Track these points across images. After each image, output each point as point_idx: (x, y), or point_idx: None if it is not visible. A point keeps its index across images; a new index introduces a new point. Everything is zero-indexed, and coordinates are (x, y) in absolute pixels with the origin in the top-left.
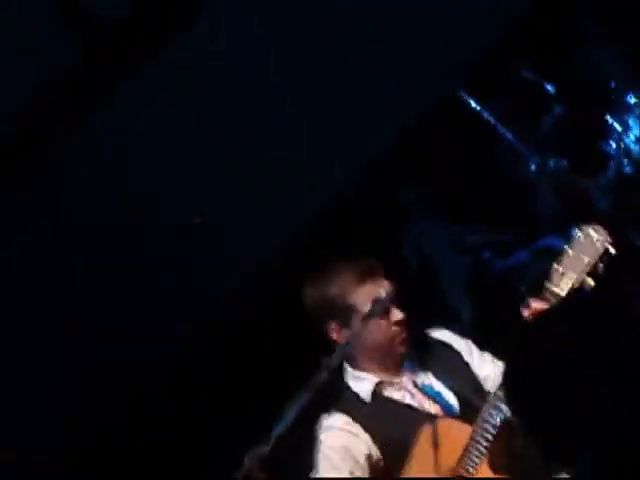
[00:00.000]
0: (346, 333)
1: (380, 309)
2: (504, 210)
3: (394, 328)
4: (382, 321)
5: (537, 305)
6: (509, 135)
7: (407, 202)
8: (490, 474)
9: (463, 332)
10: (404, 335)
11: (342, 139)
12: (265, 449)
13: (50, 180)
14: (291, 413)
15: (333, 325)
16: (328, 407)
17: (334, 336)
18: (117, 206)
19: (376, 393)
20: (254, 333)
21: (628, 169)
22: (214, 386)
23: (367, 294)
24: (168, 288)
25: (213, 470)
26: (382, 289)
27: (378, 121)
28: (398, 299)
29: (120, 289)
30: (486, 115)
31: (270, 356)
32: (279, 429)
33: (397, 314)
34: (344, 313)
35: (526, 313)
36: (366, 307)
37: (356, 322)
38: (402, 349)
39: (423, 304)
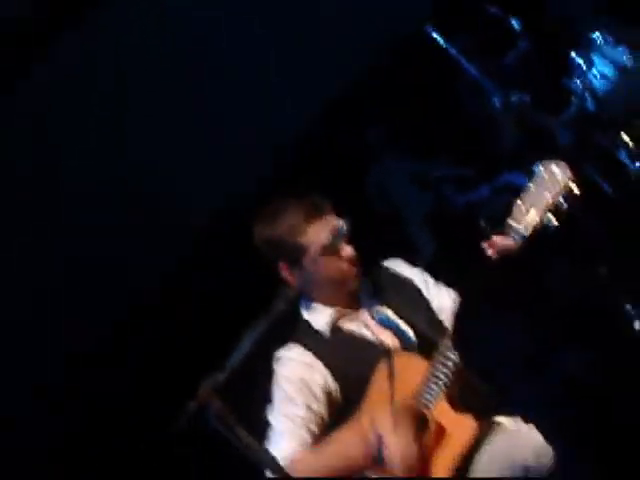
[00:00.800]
0: (297, 272)
1: (329, 247)
2: (467, 145)
3: (344, 265)
4: (332, 258)
5: (500, 241)
6: (473, 70)
7: (372, 138)
8: (449, 410)
9: (423, 266)
10: (355, 270)
11: (310, 75)
12: (220, 378)
13: None
14: (247, 342)
15: (283, 264)
16: (285, 338)
17: (285, 275)
18: None
19: (332, 325)
20: (211, 265)
21: (591, 106)
22: (168, 315)
23: (316, 233)
24: None
25: (167, 399)
26: (331, 226)
27: (346, 57)
28: (348, 235)
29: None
30: (451, 50)
31: (224, 287)
32: (235, 358)
33: (347, 250)
34: (293, 253)
35: (488, 249)
36: (315, 246)
37: (306, 261)
38: (355, 284)
39: (384, 240)
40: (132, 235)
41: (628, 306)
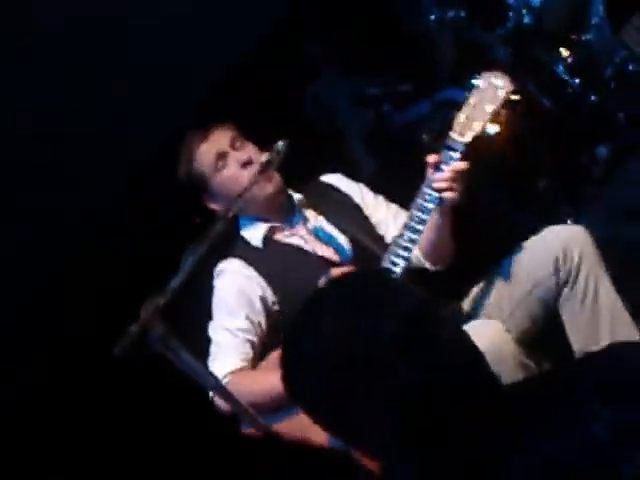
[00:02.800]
0: (214, 198)
1: (219, 160)
2: (404, 62)
3: (243, 171)
4: (226, 171)
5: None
6: None
7: (309, 57)
8: None
9: (366, 183)
10: (261, 174)
11: None
12: (161, 300)
13: None
14: (187, 264)
15: (203, 196)
16: (224, 256)
17: (210, 205)
18: None
19: (268, 238)
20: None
21: (527, 20)
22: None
23: (205, 153)
24: None
25: (108, 323)
26: (218, 141)
27: None
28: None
29: None
30: None
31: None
32: (175, 280)
33: (238, 156)
34: (200, 182)
35: (431, 161)
36: (207, 166)
37: (211, 184)
38: (270, 188)
39: (324, 158)
40: None
41: (568, 219)
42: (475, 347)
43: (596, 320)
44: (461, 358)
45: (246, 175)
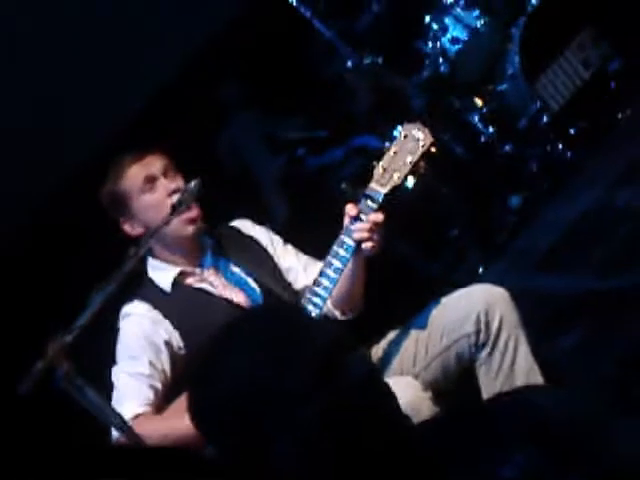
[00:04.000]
0: (132, 222)
1: (148, 183)
2: (319, 107)
3: (168, 200)
4: (151, 195)
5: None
6: (326, 32)
7: (225, 97)
8: None
9: (276, 229)
10: (177, 214)
11: (166, 32)
12: (68, 338)
13: None
14: (95, 302)
15: (122, 220)
16: (131, 297)
17: (128, 231)
18: None
19: (177, 283)
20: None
21: (443, 68)
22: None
23: (134, 175)
24: None
25: (14, 360)
26: (151, 165)
27: (200, 16)
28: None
29: None
30: (305, 12)
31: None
32: (82, 318)
33: (167, 185)
34: (122, 201)
35: (350, 212)
36: (134, 187)
37: (133, 205)
38: (191, 229)
39: (235, 201)
40: None
41: (480, 268)
42: (387, 391)
43: (510, 386)
44: (371, 399)
45: (164, 201)
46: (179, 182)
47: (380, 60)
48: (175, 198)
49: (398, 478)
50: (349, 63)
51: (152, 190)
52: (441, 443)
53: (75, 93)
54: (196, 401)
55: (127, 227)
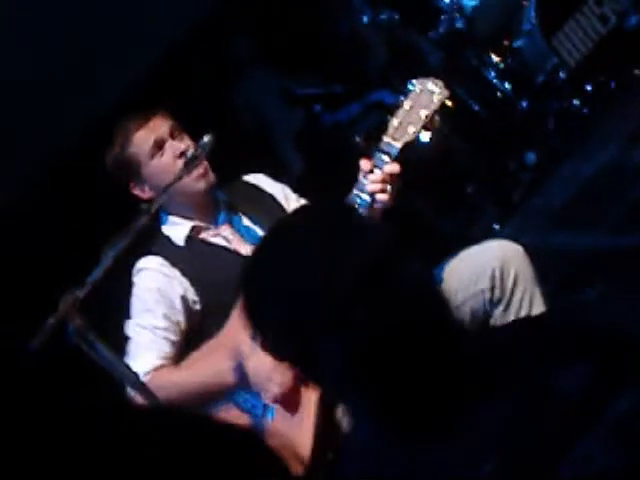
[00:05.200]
0: (143, 186)
1: (156, 147)
2: (336, 63)
3: (178, 161)
4: (162, 159)
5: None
6: None
7: (240, 54)
8: None
9: (291, 184)
10: (190, 168)
11: None
12: (80, 293)
13: None
14: (107, 258)
15: (131, 184)
16: (145, 252)
17: (137, 193)
18: None
19: (191, 237)
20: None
21: (459, 24)
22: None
23: (141, 138)
24: None
25: (27, 315)
26: (157, 129)
27: None
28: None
29: None
30: None
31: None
32: (95, 274)
33: (176, 146)
34: (131, 167)
35: (364, 167)
36: (142, 151)
37: (143, 171)
38: (202, 184)
39: (252, 156)
40: None
41: (495, 225)
42: (440, 297)
43: None
44: (422, 303)
45: (180, 165)
46: (187, 142)
47: (396, 16)
48: (184, 159)
49: (444, 381)
50: (365, 18)
51: (161, 154)
52: (495, 349)
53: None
54: (248, 294)
55: (138, 191)
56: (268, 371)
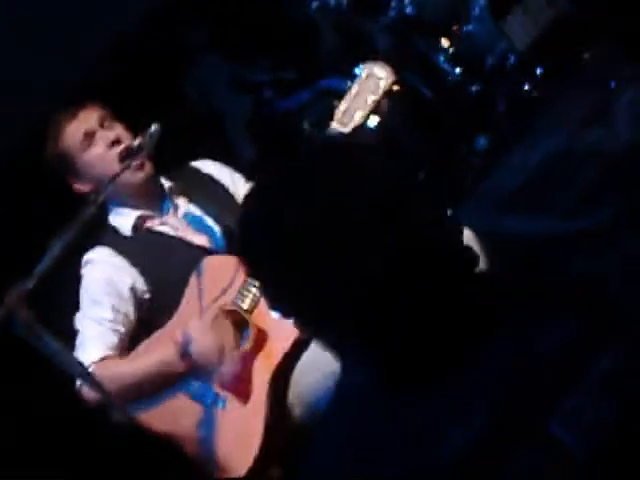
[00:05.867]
0: (81, 180)
1: (87, 139)
2: (285, 49)
3: (110, 151)
4: (94, 149)
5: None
6: None
7: (192, 41)
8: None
9: (242, 170)
10: (133, 159)
11: None
12: (27, 285)
13: None
14: (55, 249)
15: (69, 179)
16: (93, 244)
17: (77, 188)
18: None
19: (138, 227)
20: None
21: (409, 9)
22: None
23: (72, 134)
24: None
25: None
26: (86, 120)
27: None
28: (109, 119)
29: None
30: None
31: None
32: (43, 265)
33: (106, 135)
34: (66, 162)
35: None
36: (74, 145)
37: (78, 164)
38: (141, 175)
39: (202, 143)
40: None
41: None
42: (458, 232)
43: None
44: (438, 239)
45: (113, 155)
46: (118, 131)
47: (345, 1)
48: (118, 148)
49: (448, 325)
50: (314, 3)
51: (92, 144)
52: (501, 300)
53: None
54: (246, 232)
55: (77, 185)
56: (216, 353)
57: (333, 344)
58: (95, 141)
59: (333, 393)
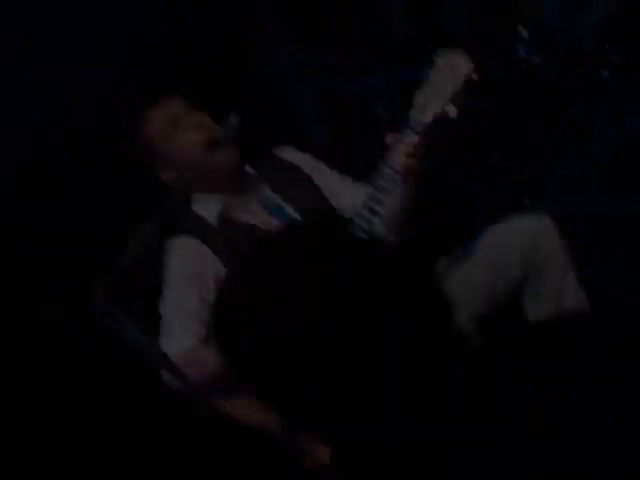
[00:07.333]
0: (166, 166)
1: (172, 127)
2: (357, 34)
3: (195, 136)
4: (177, 135)
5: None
6: None
7: (259, 26)
8: None
9: (318, 155)
10: (217, 148)
11: None
12: (110, 275)
13: None
14: (139, 236)
15: (155, 166)
16: (176, 232)
17: (163, 176)
18: None
19: (221, 215)
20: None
21: None
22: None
23: (156, 121)
24: None
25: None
26: (169, 108)
27: None
28: (191, 106)
29: None
30: None
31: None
32: (125, 255)
33: (191, 121)
34: (152, 151)
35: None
36: (160, 132)
37: (162, 150)
38: (227, 163)
39: (276, 129)
40: None
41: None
42: None
43: (558, 311)
44: None
45: (198, 140)
46: (201, 117)
47: None
48: (203, 134)
49: None
50: None
51: (176, 131)
52: None
53: None
54: None
55: (163, 172)
56: None
57: None
58: (179, 127)
59: None
